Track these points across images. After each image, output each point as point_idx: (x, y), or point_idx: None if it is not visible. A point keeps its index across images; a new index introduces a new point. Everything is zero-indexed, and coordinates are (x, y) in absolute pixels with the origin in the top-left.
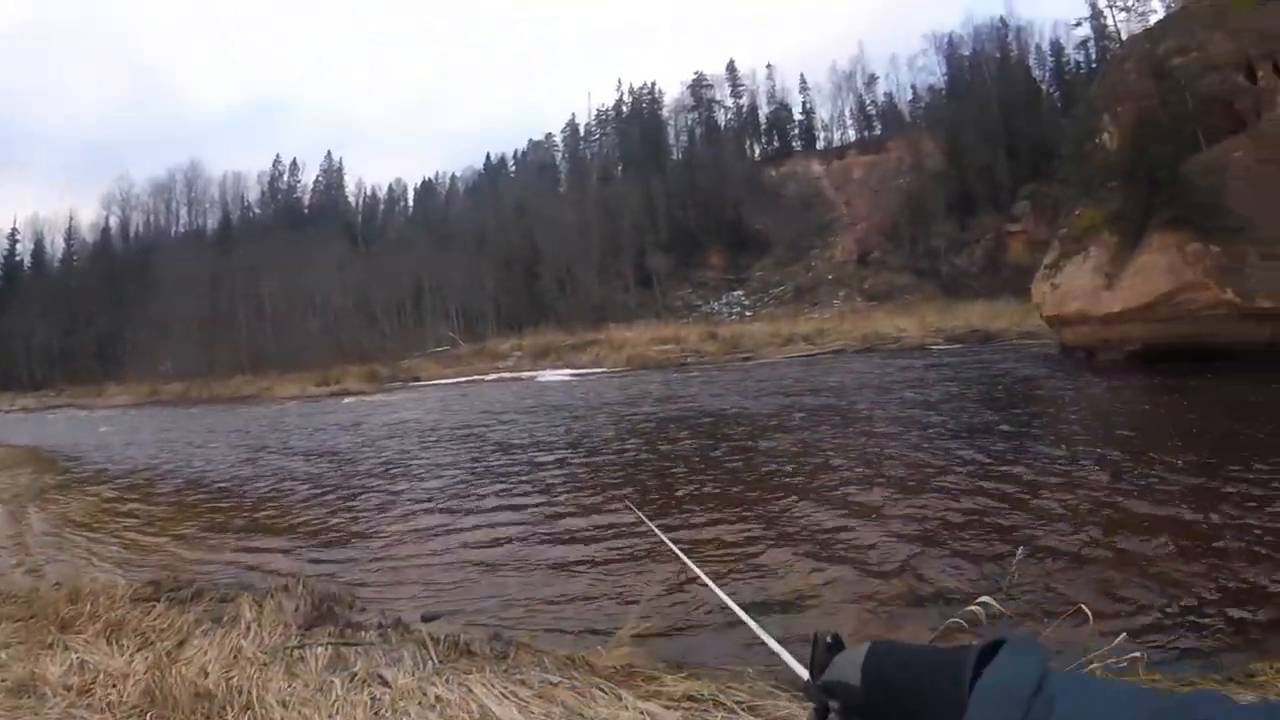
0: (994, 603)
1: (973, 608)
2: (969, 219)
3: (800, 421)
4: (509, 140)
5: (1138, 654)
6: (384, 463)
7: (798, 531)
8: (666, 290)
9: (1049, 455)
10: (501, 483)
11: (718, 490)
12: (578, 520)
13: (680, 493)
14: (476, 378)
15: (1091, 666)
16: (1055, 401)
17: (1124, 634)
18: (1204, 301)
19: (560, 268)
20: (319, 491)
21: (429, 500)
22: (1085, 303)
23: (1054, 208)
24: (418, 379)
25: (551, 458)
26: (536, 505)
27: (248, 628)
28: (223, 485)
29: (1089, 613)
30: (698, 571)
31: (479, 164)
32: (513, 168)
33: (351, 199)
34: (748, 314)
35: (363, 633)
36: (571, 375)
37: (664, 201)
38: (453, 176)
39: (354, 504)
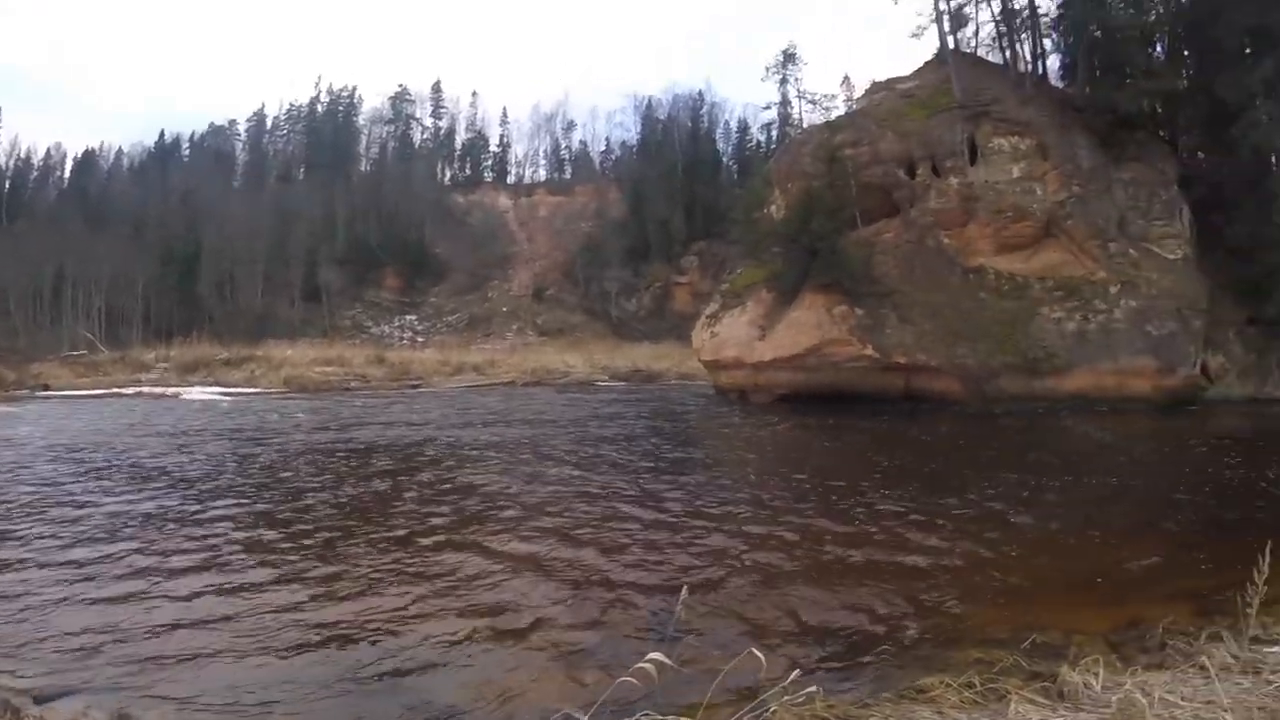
0: (663, 658)
1: (643, 665)
2: (642, 267)
3: (472, 456)
4: (188, 120)
5: (813, 688)
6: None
7: (464, 585)
8: (336, 308)
9: (716, 491)
10: (150, 526)
11: (379, 535)
12: (234, 567)
13: (343, 536)
14: (116, 390)
15: (771, 709)
16: (723, 438)
17: (797, 670)
18: (847, 355)
19: (223, 270)
20: None
21: (59, 545)
22: (741, 350)
23: (719, 265)
24: (47, 388)
25: (205, 491)
26: (188, 547)
27: None
28: None
29: (760, 655)
30: None
31: (151, 140)
32: (187, 151)
33: (1, 158)
34: (419, 339)
35: None
36: (222, 395)
37: (345, 212)
38: (119, 151)
39: None
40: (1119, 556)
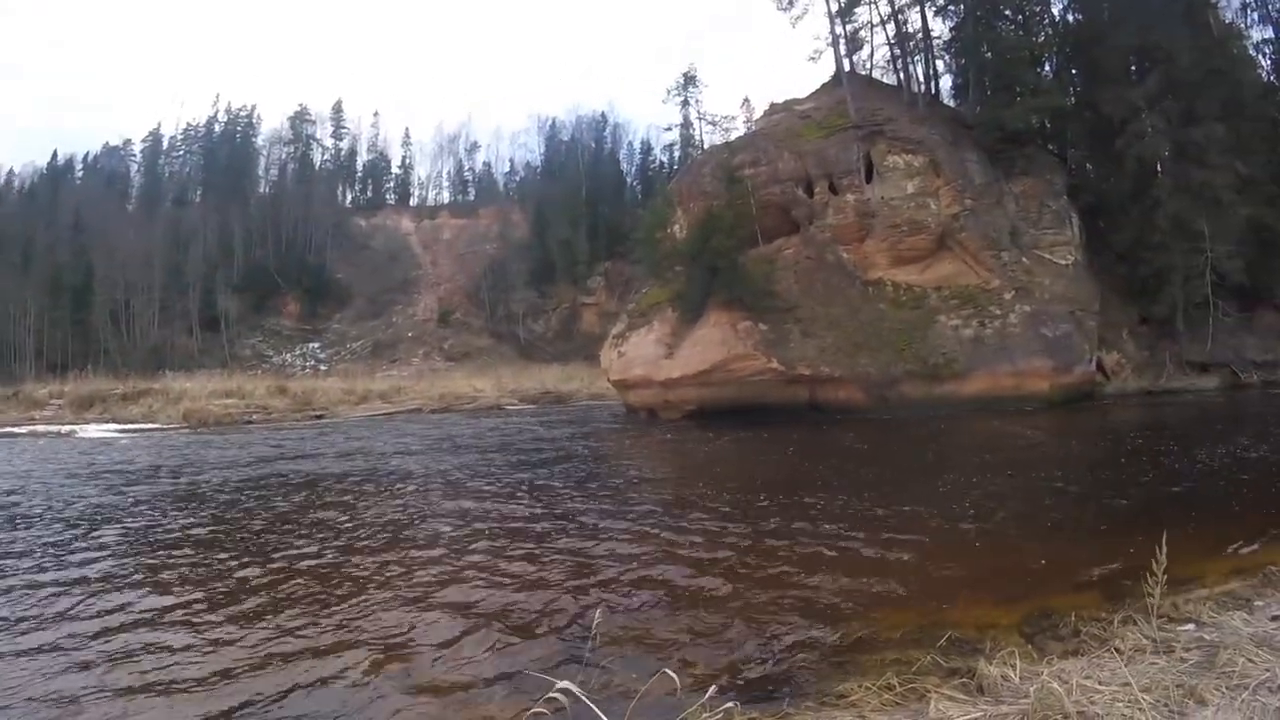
0: (573, 686)
1: (554, 694)
2: (548, 288)
3: (392, 488)
4: (83, 139)
5: (731, 704)
6: None
7: (374, 618)
8: (235, 337)
9: (630, 509)
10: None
11: (293, 569)
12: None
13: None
14: (9, 430)
15: None
16: (634, 455)
17: (714, 687)
18: (753, 369)
19: (116, 300)
20: None
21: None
22: (648, 369)
23: (625, 284)
24: None
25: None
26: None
27: None
28: None
29: (674, 676)
30: None
31: (44, 160)
32: (80, 173)
33: None
34: (323, 368)
35: None
36: (120, 432)
37: (242, 236)
38: (10, 172)
39: None
40: (1037, 548)
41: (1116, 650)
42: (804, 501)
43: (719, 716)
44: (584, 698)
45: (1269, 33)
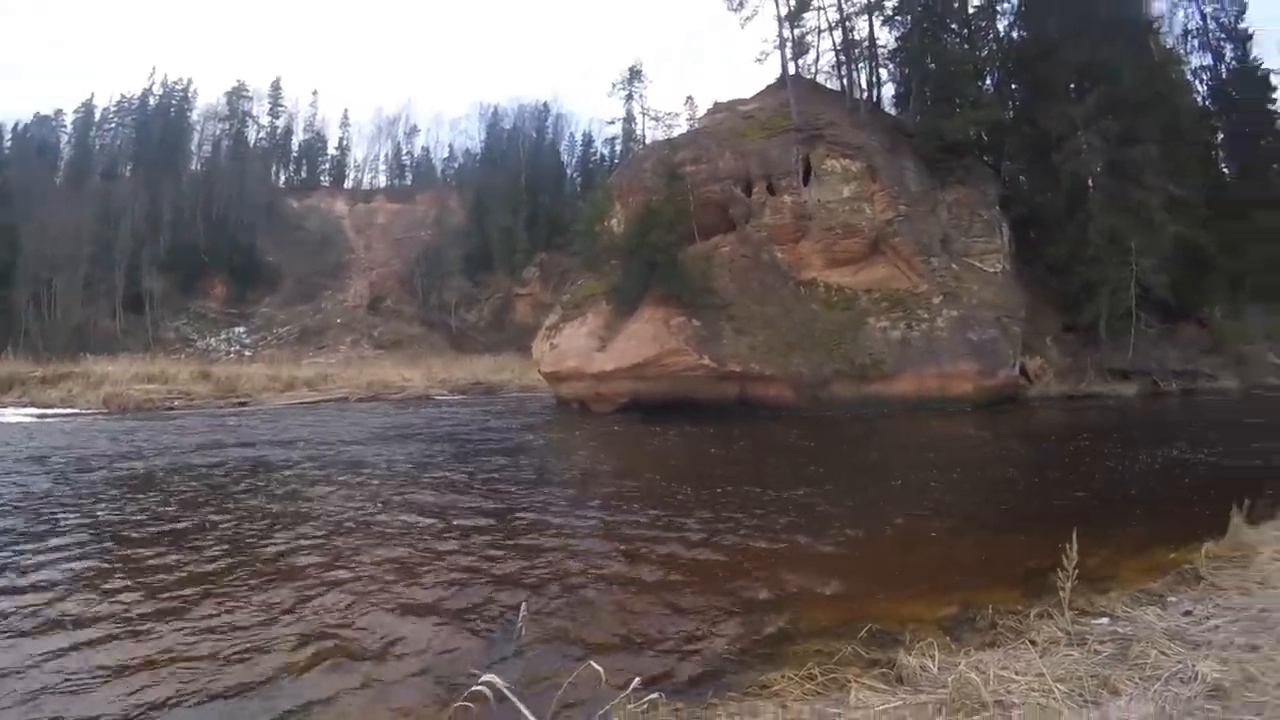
0: (497, 679)
1: (478, 687)
2: (482, 277)
3: (313, 478)
4: (13, 107)
5: (655, 695)
6: None
7: (288, 617)
8: (159, 319)
9: (555, 503)
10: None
11: (187, 569)
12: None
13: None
14: None
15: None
16: (578, 448)
17: (638, 679)
18: (684, 364)
19: (40, 279)
20: None
21: None
22: (580, 361)
23: (560, 276)
24: None
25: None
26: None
27: None
28: None
29: (599, 667)
30: None
31: None
32: (9, 143)
33: None
34: (248, 353)
35: None
36: (37, 417)
37: (171, 213)
38: None
39: None
40: (964, 545)
41: (1031, 642)
42: (745, 496)
43: (644, 708)
44: (508, 691)
45: (1208, 59)
